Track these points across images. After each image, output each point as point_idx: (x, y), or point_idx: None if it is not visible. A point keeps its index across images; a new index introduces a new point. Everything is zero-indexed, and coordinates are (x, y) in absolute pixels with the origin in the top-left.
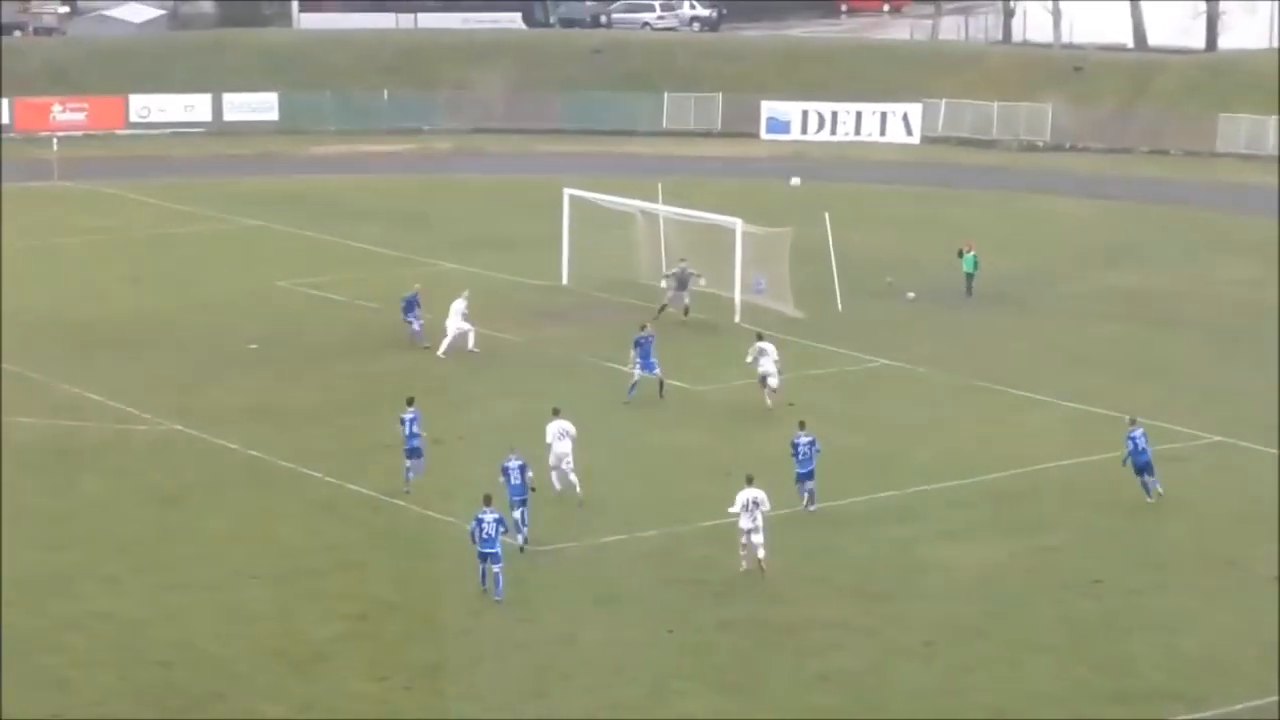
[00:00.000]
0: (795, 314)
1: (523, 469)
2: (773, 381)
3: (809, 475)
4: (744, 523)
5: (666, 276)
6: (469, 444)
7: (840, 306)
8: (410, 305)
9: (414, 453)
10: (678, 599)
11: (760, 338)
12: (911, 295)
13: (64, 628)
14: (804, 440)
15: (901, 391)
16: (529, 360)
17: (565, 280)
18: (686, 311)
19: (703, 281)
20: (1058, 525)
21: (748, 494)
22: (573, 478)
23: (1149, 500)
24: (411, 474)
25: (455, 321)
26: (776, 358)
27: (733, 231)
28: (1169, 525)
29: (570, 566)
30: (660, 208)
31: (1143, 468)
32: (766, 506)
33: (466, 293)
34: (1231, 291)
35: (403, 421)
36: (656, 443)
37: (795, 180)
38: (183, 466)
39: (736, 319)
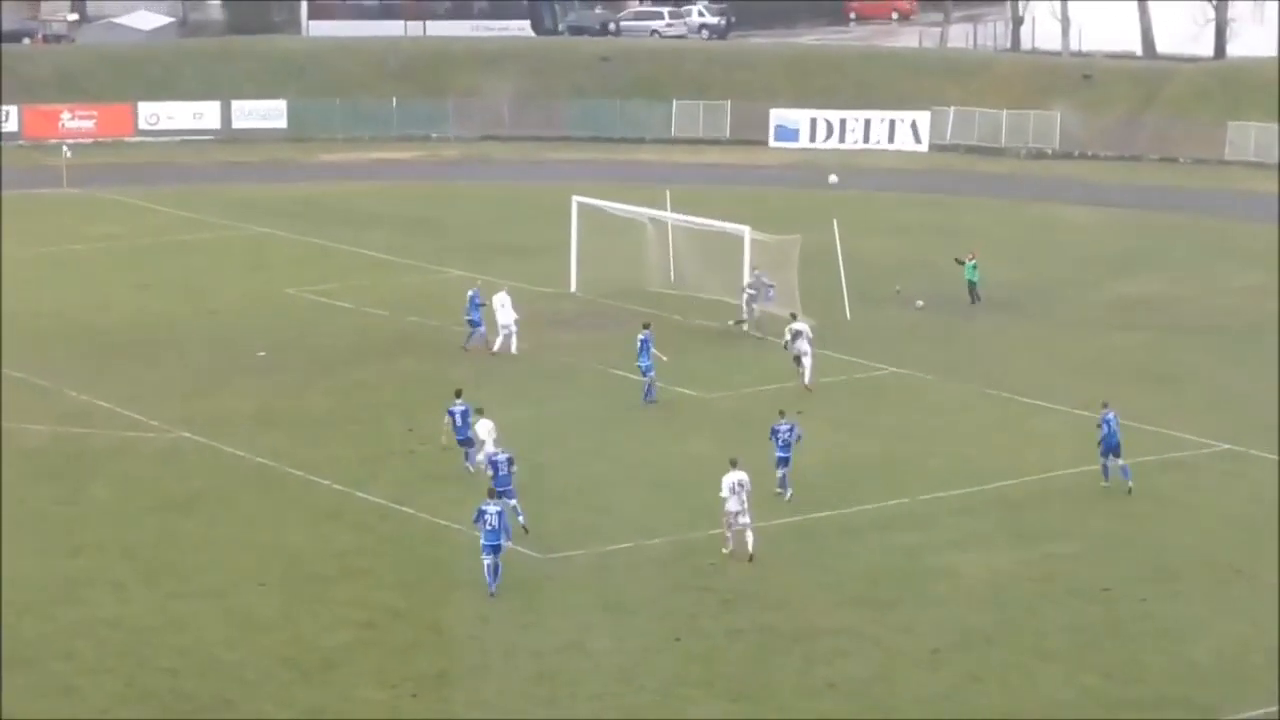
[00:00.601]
0: (809, 334)
1: (510, 461)
2: (807, 361)
3: (786, 462)
4: (731, 505)
5: (745, 288)
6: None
7: (849, 314)
8: (475, 305)
9: (467, 443)
10: (686, 606)
11: (794, 318)
12: (920, 303)
13: (72, 634)
14: (784, 427)
15: (910, 399)
16: (537, 367)
17: (573, 287)
18: (743, 322)
19: (772, 293)
20: (1066, 533)
21: (734, 476)
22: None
23: (1104, 484)
24: (470, 461)
25: (508, 316)
26: (811, 336)
27: (741, 239)
28: (1177, 533)
29: (578, 573)
30: (669, 215)
31: (1111, 449)
32: (750, 488)
33: (506, 288)
34: (1240, 299)
35: (451, 414)
36: (664, 450)
37: (833, 178)
38: (191, 473)
39: (745, 327)
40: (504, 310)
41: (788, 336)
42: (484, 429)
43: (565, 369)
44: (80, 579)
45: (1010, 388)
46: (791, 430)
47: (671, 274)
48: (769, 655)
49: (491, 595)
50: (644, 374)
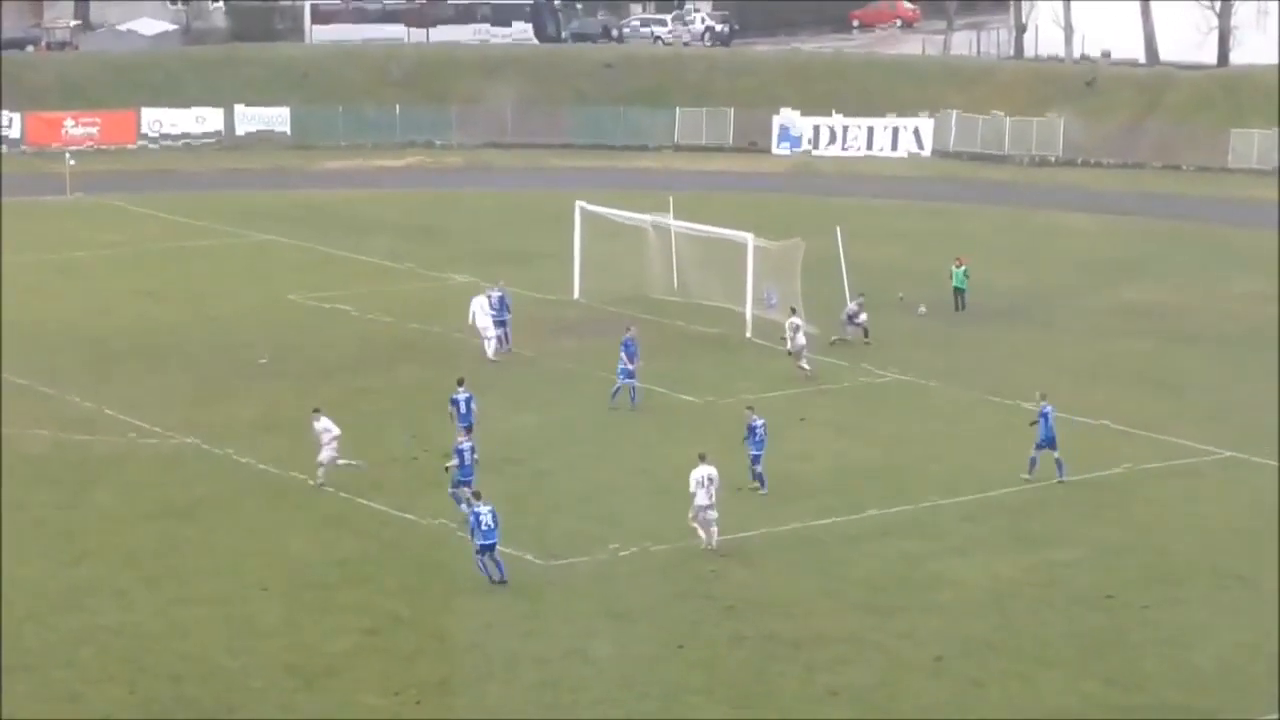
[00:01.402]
0: (807, 328)
1: (473, 449)
2: (804, 356)
3: (760, 460)
4: (701, 500)
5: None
6: (480, 458)
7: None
8: (499, 306)
9: (468, 431)
10: (689, 613)
11: (794, 311)
12: (923, 310)
13: (74, 641)
14: (759, 424)
15: (913, 406)
16: (540, 374)
17: (577, 294)
18: (866, 333)
19: (774, 299)
20: (1068, 540)
21: (703, 471)
22: None
23: (1026, 477)
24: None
25: (486, 321)
26: (809, 330)
27: (744, 246)
28: (1179, 540)
29: (581, 580)
30: (672, 222)
31: (1046, 442)
32: (719, 483)
33: (487, 290)
34: (1243, 306)
35: (455, 401)
36: (668, 457)
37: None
38: (194, 480)
39: (748, 334)
40: (484, 315)
41: (788, 331)
42: (322, 427)
43: (568, 375)
44: (82, 585)
45: (1013, 394)
46: (764, 427)
47: (675, 281)
48: (771, 662)
49: (504, 583)
50: (626, 377)
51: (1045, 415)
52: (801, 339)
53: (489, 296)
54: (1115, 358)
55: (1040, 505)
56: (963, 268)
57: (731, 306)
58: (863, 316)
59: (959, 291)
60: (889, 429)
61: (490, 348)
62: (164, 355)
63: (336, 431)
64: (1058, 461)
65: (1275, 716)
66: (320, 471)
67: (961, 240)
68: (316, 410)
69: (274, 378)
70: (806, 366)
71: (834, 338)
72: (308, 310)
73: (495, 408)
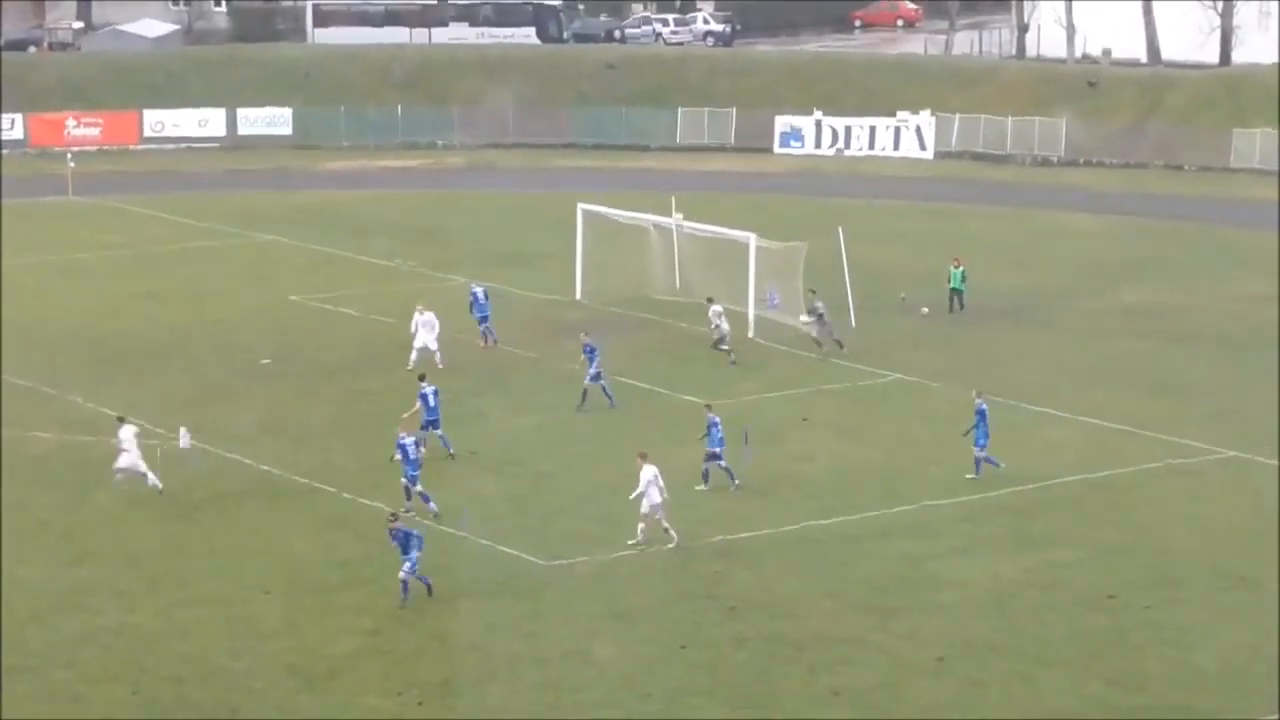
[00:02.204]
0: (809, 329)
1: (417, 444)
2: (727, 343)
3: (721, 455)
4: (655, 497)
5: (809, 315)
6: (482, 459)
7: (853, 321)
8: (479, 305)
9: (434, 424)
10: (690, 614)
11: (711, 301)
12: (925, 310)
13: (76, 642)
14: (717, 421)
15: (914, 406)
16: (542, 375)
17: (579, 295)
18: (840, 344)
19: (776, 300)
20: (1070, 540)
21: (652, 470)
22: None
23: (976, 476)
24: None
25: (426, 335)
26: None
27: (746, 246)
28: (1181, 541)
29: (583, 582)
30: (673, 222)
31: (982, 439)
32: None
33: (421, 305)
34: (1245, 307)
35: (423, 396)
36: (668, 458)
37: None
38: (195, 481)
39: (750, 334)
40: (426, 329)
41: (713, 320)
42: (127, 434)
43: (570, 376)
44: (84, 586)
45: (1014, 395)
46: (721, 425)
47: (677, 281)
48: (774, 663)
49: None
50: (596, 379)
51: (982, 413)
52: (725, 326)
53: (474, 293)
54: (1116, 358)
55: (1041, 506)
56: (960, 268)
57: (733, 307)
58: (820, 304)
59: (957, 292)
60: (890, 429)
61: (413, 358)
62: (166, 356)
63: (135, 444)
64: (979, 461)
65: (1276, 717)
66: (119, 477)
67: (963, 241)
68: (121, 418)
69: (275, 379)
70: (732, 357)
71: (823, 342)
72: (310, 311)
73: (497, 409)
